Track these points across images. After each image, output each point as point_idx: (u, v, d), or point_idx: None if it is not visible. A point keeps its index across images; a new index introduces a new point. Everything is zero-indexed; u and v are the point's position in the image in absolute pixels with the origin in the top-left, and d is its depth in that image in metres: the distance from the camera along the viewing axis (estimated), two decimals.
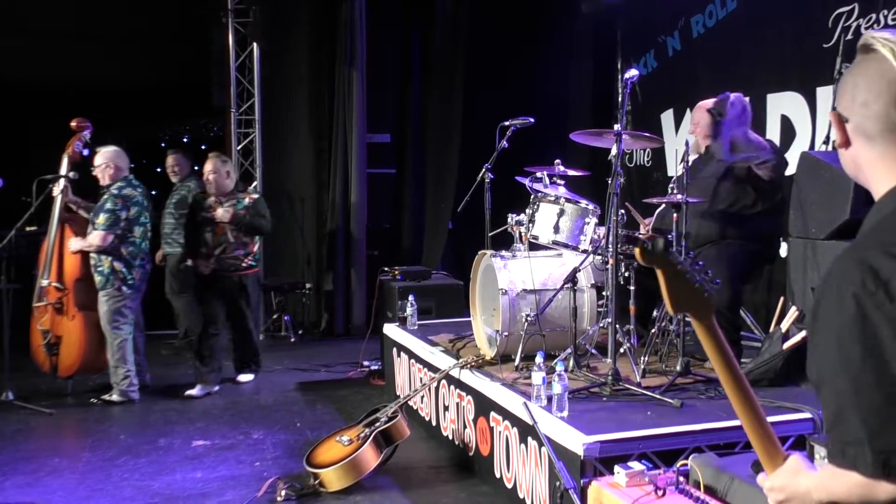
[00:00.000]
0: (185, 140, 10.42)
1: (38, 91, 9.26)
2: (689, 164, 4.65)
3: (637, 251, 1.60)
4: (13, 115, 9.28)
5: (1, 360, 6.10)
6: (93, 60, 9.50)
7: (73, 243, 6.04)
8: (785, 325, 4.23)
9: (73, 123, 6.29)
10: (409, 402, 5.06)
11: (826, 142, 5.47)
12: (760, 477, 1.65)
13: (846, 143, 1.54)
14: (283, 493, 4.32)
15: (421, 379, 5.55)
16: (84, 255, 6.08)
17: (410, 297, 6.30)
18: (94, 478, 4.66)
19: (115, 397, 6.08)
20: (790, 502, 1.56)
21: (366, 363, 6.92)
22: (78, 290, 6.14)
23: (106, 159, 6.12)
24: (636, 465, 3.14)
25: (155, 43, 9.79)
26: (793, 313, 4.23)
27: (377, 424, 4.57)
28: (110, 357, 6.07)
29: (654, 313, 4.84)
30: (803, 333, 4.11)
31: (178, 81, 9.75)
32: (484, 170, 5.69)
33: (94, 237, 5.95)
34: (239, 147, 8.72)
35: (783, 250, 4.95)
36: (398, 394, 6.07)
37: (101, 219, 5.96)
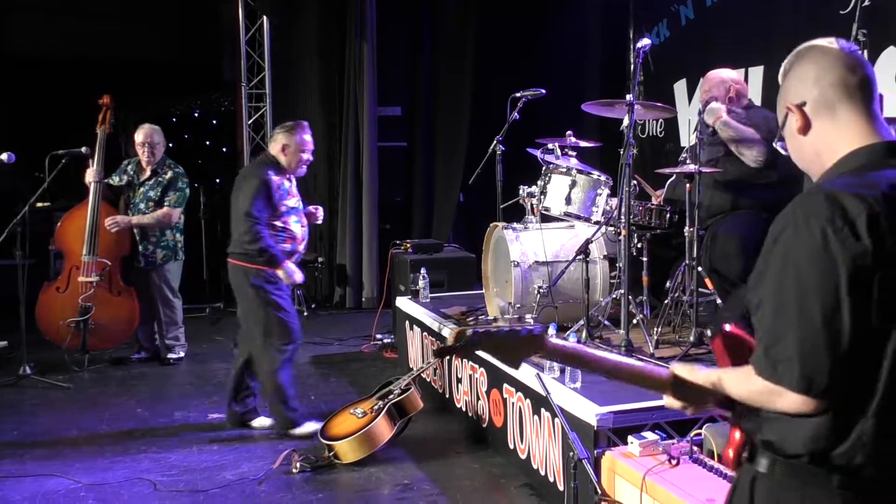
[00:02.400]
0: (196, 115, 10.41)
1: (48, 67, 9.25)
2: (703, 133, 4.62)
3: (454, 352, 1.82)
4: (23, 91, 9.29)
5: (18, 335, 6.15)
6: (103, 36, 9.49)
7: (135, 221, 6.19)
8: None
9: (106, 99, 6.33)
10: (422, 375, 5.07)
11: None
12: (665, 400, 1.82)
13: (806, 126, 1.64)
14: (297, 465, 4.36)
15: (435, 351, 5.56)
16: (128, 232, 6.21)
17: (422, 271, 6.31)
18: (112, 450, 4.71)
19: (181, 354, 6.55)
20: (697, 408, 1.79)
21: (378, 336, 6.95)
22: (124, 267, 6.31)
23: (159, 136, 6.35)
24: (650, 435, 3.15)
25: (165, 18, 9.77)
26: None
27: (391, 397, 4.60)
28: (170, 322, 6.44)
29: (668, 284, 4.84)
30: None
31: (188, 56, 9.74)
32: (495, 142, 5.67)
33: (171, 214, 6.24)
34: (250, 121, 8.71)
35: None
36: (411, 367, 6.09)
37: (174, 197, 6.27)
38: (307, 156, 5.00)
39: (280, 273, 4.77)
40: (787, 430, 1.56)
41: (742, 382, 1.61)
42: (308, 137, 5.01)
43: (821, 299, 1.45)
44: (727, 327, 1.77)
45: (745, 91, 5.00)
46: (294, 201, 4.97)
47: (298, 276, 4.84)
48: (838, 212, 1.45)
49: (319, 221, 5.35)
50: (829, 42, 1.66)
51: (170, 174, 6.31)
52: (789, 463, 1.56)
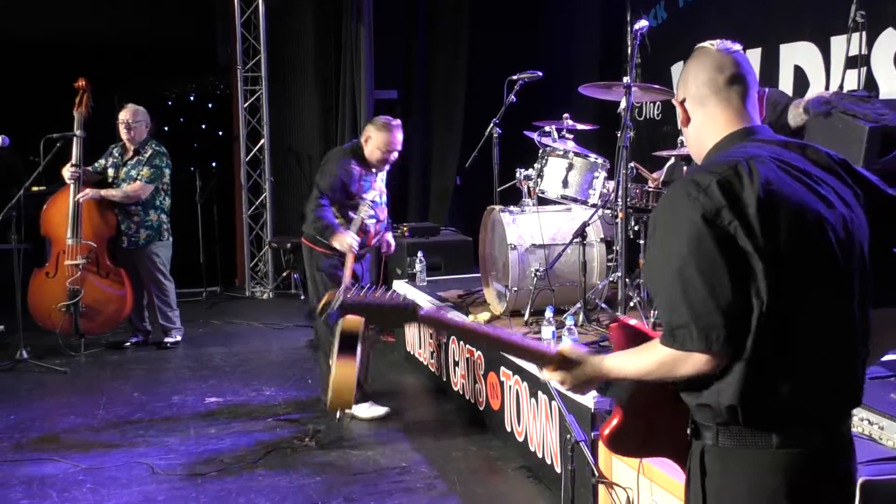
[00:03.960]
0: (191, 98, 10.34)
1: (38, 49, 9.17)
2: None
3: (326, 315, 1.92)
4: (13, 74, 9.21)
5: (14, 319, 6.14)
6: (95, 18, 9.39)
7: (103, 193, 6.16)
8: None
9: (82, 82, 6.26)
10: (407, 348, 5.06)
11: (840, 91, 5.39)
12: (544, 374, 1.95)
13: (686, 120, 1.90)
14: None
15: (431, 335, 5.57)
16: (112, 213, 6.17)
17: (419, 254, 6.30)
18: (109, 434, 4.72)
19: (178, 338, 6.54)
20: (578, 388, 1.91)
21: None
22: (109, 248, 6.29)
23: (142, 116, 6.35)
24: None
25: (159, 0, 9.68)
26: None
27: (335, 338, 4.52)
28: (163, 305, 6.43)
29: None
30: None
31: (183, 39, 9.64)
32: (492, 125, 5.64)
33: (135, 188, 6.20)
34: (245, 105, 8.67)
35: None
36: (408, 349, 6.10)
37: (146, 171, 6.23)
38: (389, 154, 4.97)
39: (335, 242, 4.72)
40: (716, 395, 1.67)
41: (643, 359, 1.75)
42: (398, 137, 4.97)
43: (695, 263, 1.62)
44: (631, 322, 1.98)
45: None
46: (373, 195, 4.98)
47: (350, 240, 4.69)
48: (692, 186, 1.67)
49: (391, 251, 5.34)
50: (711, 44, 1.88)
51: (150, 152, 6.30)
52: (730, 430, 1.69)
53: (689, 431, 1.79)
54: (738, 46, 1.90)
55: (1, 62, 9.34)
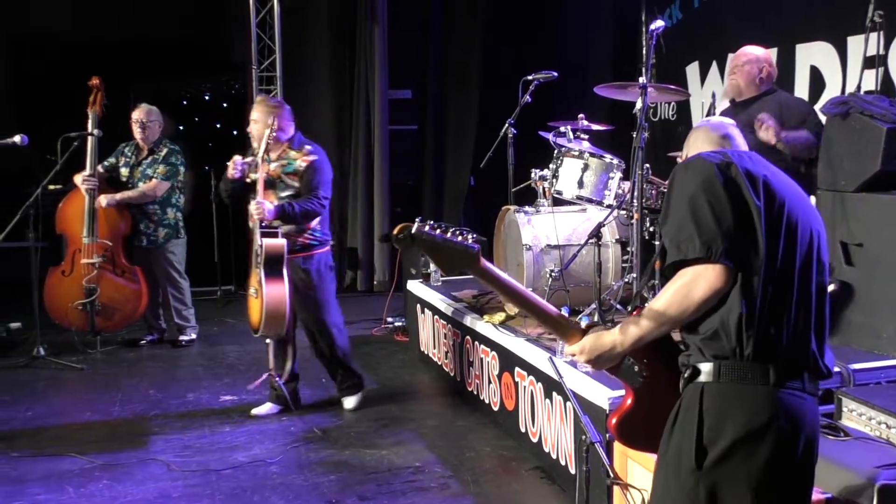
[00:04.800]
0: (206, 98, 10.39)
1: (54, 48, 9.24)
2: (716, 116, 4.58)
3: (395, 242, 2.02)
4: (31, 72, 9.28)
5: (31, 316, 6.19)
6: (111, 17, 9.45)
7: (119, 197, 6.19)
8: None
9: (96, 80, 6.30)
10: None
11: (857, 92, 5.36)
12: (567, 348, 2.13)
13: None
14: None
15: (445, 335, 5.57)
16: (128, 212, 6.22)
17: None
18: (125, 431, 4.75)
19: (193, 336, 6.57)
20: (596, 360, 2.06)
21: (389, 319, 6.96)
22: (127, 247, 6.34)
23: (155, 116, 6.39)
24: None
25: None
26: None
27: (258, 259, 4.73)
28: (178, 303, 6.47)
29: None
30: (832, 287, 4.06)
31: (198, 38, 9.69)
32: (507, 125, 5.64)
33: (151, 186, 6.25)
34: None
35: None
36: (422, 349, 6.11)
37: (162, 169, 6.28)
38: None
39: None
40: (723, 321, 1.89)
41: (657, 304, 1.95)
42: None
43: (705, 194, 1.93)
44: None
45: (775, 73, 4.90)
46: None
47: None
48: (706, 153, 2.07)
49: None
50: (705, 123, 2.43)
51: (165, 150, 6.35)
52: (730, 364, 1.89)
53: (685, 376, 1.95)
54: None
55: (17, 61, 9.43)
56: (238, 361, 6.16)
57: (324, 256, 4.94)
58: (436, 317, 5.78)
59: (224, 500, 3.90)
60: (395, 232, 1.98)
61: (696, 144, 2.31)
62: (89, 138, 6.19)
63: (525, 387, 4.33)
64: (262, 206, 4.63)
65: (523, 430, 4.37)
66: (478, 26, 8.72)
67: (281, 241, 4.71)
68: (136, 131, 6.31)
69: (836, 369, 3.68)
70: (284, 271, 4.71)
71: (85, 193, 6.16)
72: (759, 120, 4.47)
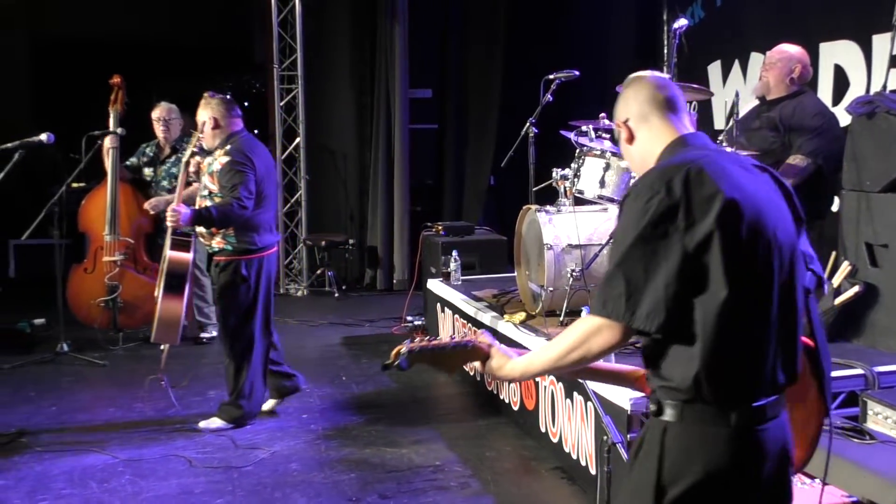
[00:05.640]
0: (227, 97, 10.43)
1: (77, 47, 9.32)
2: (739, 115, 4.55)
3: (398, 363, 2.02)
4: (53, 72, 9.37)
5: (55, 313, 6.25)
6: (134, 17, 9.53)
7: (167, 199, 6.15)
8: (837, 280, 4.16)
9: (117, 79, 6.35)
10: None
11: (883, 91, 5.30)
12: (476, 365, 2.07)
13: (631, 137, 2.08)
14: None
15: (465, 334, 5.56)
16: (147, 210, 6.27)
17: (454, 253, 6.31)
18: (148, 427, 4.78)
19: (214, 333, 6.51)
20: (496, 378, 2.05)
21: (409, 318, 6.97)
22: (149, 244, 6.38)
23: (176, 114, 6.41)
24: None
25: None
26: (845, 268, 4.16)
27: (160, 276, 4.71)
28: (200, 301, 6.52)
29: None
30: (856, 289, 4.04)
31: (219, 37, 9.75)
32: (528, 124, 5.62)
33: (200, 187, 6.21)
34: (282, 103, 8.73)
35: (835, 205, 4.84)
36: None
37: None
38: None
39: None
40: (682, 375, 1.80)
41: (560, 341, 1.89)
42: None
43: (642, 247, 1.78)
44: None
45: (810, 73, 4.85)
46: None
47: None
48: (657, 181, 1.82)
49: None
50: (645, 73, 2.13)
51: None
52: (694, 408, 1.81)
53: (651, 408, 1.89)
54: (666, 75, 2.17)
55: (40, 61, 9.52)
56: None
57: (241, 264, 4.58)
58: (456, 315, 5.78)
59: (245, 496, 3.92)
60: (390, 361, 2.02)
61: (635, 105, 2.06)
62: (111, 118, 6.23)
63: (545, 386, 4.32)
64: (177, 212, 4.47)
65: (543, 429, 4.37)
66: (498, 25, 8.72)
67: (186, 256, 4.65)
68: (159, 130, 6.35)
69: (860, 372, 3.65)
70: (186, 287, 4.63)
71: (108, 185, 6.19)
72: None
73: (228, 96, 4.80)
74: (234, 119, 4.73)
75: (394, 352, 2.03)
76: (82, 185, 6.89)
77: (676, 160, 1.89)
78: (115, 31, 9.50)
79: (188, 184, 5.89)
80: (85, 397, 5.40)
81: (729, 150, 4.37)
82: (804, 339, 1.98)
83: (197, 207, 4.58)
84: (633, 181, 1.94)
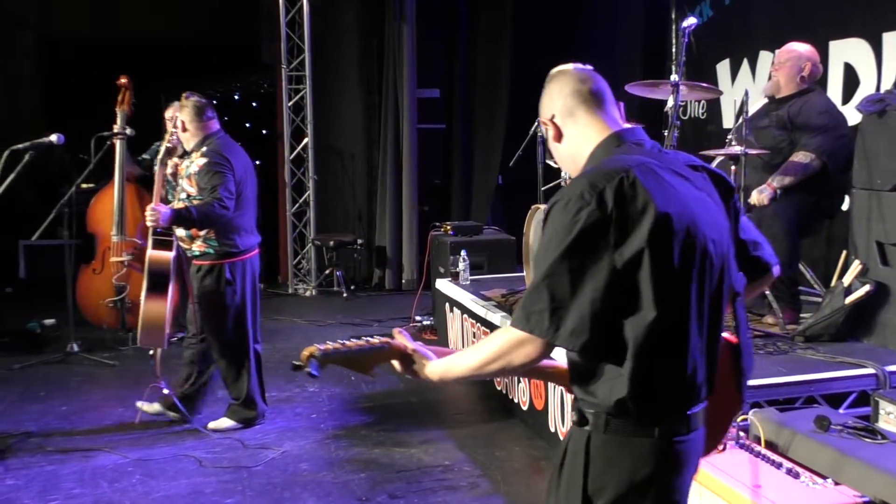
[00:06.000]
0: (236, 97, 10.47)
1: (86, 48, 9.35)
2: (749, 114, 4.54)
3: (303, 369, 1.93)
4: (60, 72, 9.40)
5: (65, 313, 6.27)
6: (142, 17, 9.56)
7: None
8: (847, 280, 4.14)
9: (124, 80, 6.36)
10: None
11: (893, 89, 5.28)
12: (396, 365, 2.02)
13: (559, 134, 1.97)
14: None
15: (474, 334, 5.57)
16: None
17: (462, 253, 6.31)
18: (157, 427, 4.79)
19: None
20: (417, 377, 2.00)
21: (418, 318, 6.97)
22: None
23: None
24: None
25: None
26: (856, 267, 4.14)
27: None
28: None
29: None
30: (867, 288, 4.02)
31: (228, 38, 9.76)
32: (536, 123, 5.61)
33: None
34: (290, 103, 8.74)
35: (845, 203, 4.82)
36: (451, 348, 6.10)
37: None
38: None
39: None
40: (608, 393, 1.76)
41: (480, 352, 1.84)
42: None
43: (570, 261, 1.70)
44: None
45: (819, 71, 4.84)
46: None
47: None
48: (588, 188, 1.73)
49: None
50: (567, 66, 2.02)
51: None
52: (618, 421, 1.77)
53: (574, 417, 1.86)
54: (589, 66, 2.05)
55: (48, 61, 9.56)
56: (267, 360, 6.14)
57: (225, 267, 4.55)
58: (464, 315, 5.78)
59: (255, 496, 3.92)
60: (301, 361, 1.94)
61: (559, 100, 1.96)
62: (118, 119, 6.23)
63: (554, 386, 4.31)
64: (157, 211, 4.37)
65: (553, 429, 4.36)
66: (505, 24, 8.71)
67: (167, 255, 4.58)
68: (171, 128, 6.35)
69: (871, 371, 3.63)
70: (170, 286, 4.56)
71: (115, 185, 6.20)
72: (758, 191, 4.51)
73: (204, 99, 4.73)
74: (211, 121, 4.68)
75: (305, 353, 1.95)
76: (91, 185, 6.91)
77: (610, 165, 1.79)
78: (123, 31, 9.54)
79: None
80: (95, 397, 5.42)
81: (737, 149, 4.36)
82: (728, 336, 1.96)
83: (175, 208, 4.48)
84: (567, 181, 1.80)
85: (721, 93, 5.65)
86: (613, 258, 1.69)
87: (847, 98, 5.57)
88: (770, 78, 4.86)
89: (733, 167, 4.40)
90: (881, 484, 2.61)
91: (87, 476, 4.14)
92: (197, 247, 4.56)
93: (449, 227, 7.14)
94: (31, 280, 8.24)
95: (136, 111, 6.37)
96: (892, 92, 4.28)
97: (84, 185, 6.52)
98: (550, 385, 4.37)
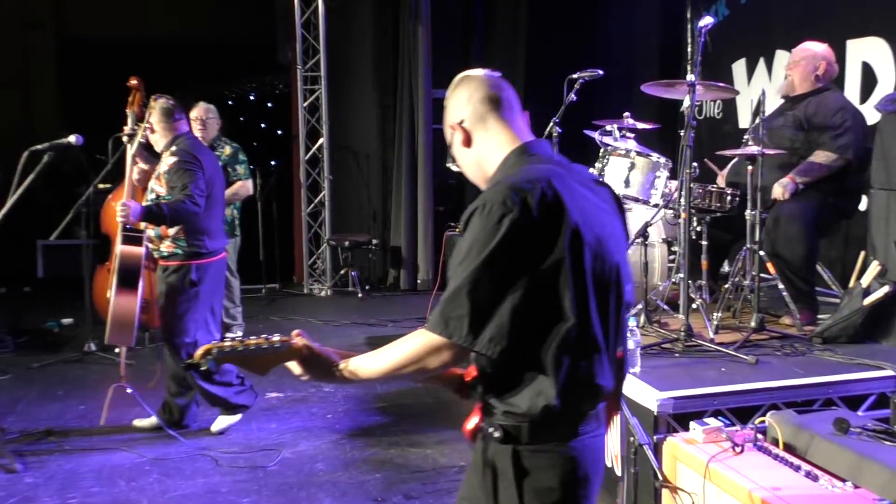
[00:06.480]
0: (251, 98, 10.51)
1: (103, 48, 9.40)
2: (765, 114, 4.51)
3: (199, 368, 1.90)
4: (77, 72, 9.46)
5: (82, 312, 6.31)
6: (157, 17, 9.61)
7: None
8: (866, 281, 4.11)
9: (134, 81, 6.38)
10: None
11: None
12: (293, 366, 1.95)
13: (467, 139, 1.96)
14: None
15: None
16: None
17: None
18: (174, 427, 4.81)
19: (239, 333, 6.44)
20: (318, 379, 1.96)
21: None
22: None
23: (213, 114, 6.44)
24: (712, 422, 3.11)
25: (220, 0, 9.86)
26: (874, 268, 4.11)
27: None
28: (227, 301, 6.43)
29: (727, 268, 4.76)
30: (886, 289, 3.99)
31: (243, 39, 9.80)
32: (552, 123, 5.60)
33: (246, 185, 6.34)
34: (305, 104, 8.77)
35: (863, 203, 4.79)
36: None
37: (242, 169, 6.36)
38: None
39: None
40: (531, 400, 1.78)
41: (392, 351, 1.82)
42: None
43: (492, 267, 1.71)
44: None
45: (835, 70, 4.81)
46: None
47: None
48: (511, 194, 1.73)
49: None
50: (477, 71, 2.01)
51: (228, 149, 6.41)
52: (541, 429, 1.79)
53: (495, 434, 1.84)
54: (498, 73, 2.05)
55: (66, 62, 9.63)
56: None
57: (192, 268, 4.51)
58: None
59: (271, 496, 3.94)
60: (195, 360, 1.91)
61: (469, 106, 1.96)
62: (129, 120, 6.25)
63: None
64: (127, 207, 4.36)
65: None
66: (521, 24, 8.70)
67: (138, 250, 4.56)
68: (197, 129, 6.40)
69: (891, 373, 3.60)
70: (140, 282, 4.54)
71: (127, 174, 6.22)
72: (780, 184, 4.50)
73: (172, 101, 4.72)
74: (179, 122, 4.68)
75: (200, 350, 1.92)
76: (108, 185, 6.94)
77: (528, 175, 1.80)
78: (139, 32, 9.59)
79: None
80: (113, 396, 5.44)
81: (754, 149, 4.33)
82: None
83: (146, 204, 4.48)
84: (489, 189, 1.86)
85: (737, 92, 5.63)
86: (534, 266, 1.72)
87: (865, 97, 5.53)
88: (785, 77, 4.84)
89: (749, 167, 4.38)
90: None
91: (105, 474, 4.17)
92: (165, 247, 4.55)
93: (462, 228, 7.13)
94: (50, 279, 8.32)
95: (144, 112, 6.39)
96: None
97: (101, 186, 6.55)
98: None
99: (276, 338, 1.94)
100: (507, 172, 1.88)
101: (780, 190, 4.49)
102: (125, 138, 6.23)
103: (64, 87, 9.64)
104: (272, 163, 9.58)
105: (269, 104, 10.58)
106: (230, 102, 10.49)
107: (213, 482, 4.08)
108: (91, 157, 7.30)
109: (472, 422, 1.98)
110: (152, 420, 4.77)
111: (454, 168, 2.08)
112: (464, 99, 1.97)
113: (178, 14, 9.67)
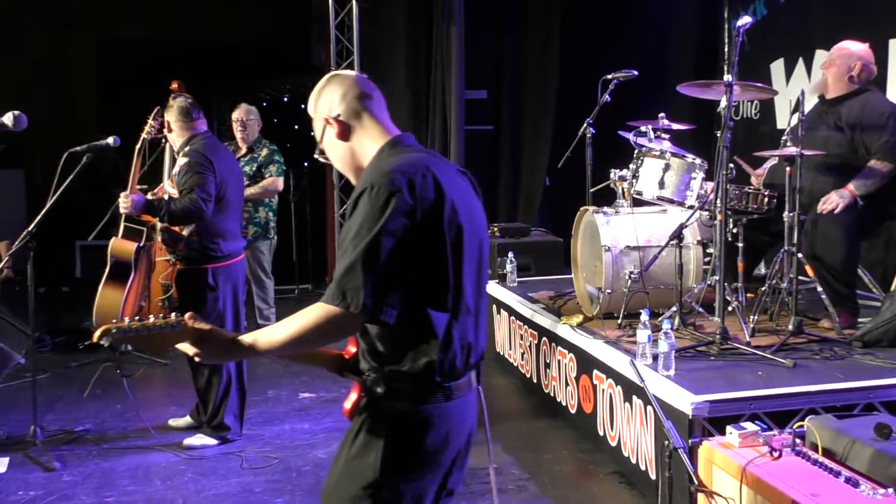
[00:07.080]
0: (285, 99, 10.56)
1: (139, 49, 9.51)
2: (804, 114, 4.44)
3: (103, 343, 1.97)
4: (114, 73, 9.58)
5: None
6: (193, 19, 9.71)
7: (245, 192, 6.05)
8: None
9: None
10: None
11: None
12: (184, 347, 2.03)
13: (342, 133, 2.13)
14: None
15: (521, 336, 5.54)
16: None
17: (510, 254, 6.29)
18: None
19: None
20: (215, 357, 2.13)
21: None
22: None
23: (254, 115, 6.58)
24: (749, 426, 3.06)
25: (255, 2, 9.93)
26: None
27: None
28: (262, 302, 6.62)
29: (764, 270, 4.69)
30: None
31: (278, 40, 9.87)
32: (585, 125, 5.58)
33: (271, 181, 6.42)
34: None
35: None
36: (498, 351, 6.10)
37: (275, 167, 6.48)
38: None
39: None
40: (410, 355, 1.97)
41: (291, 324, 1.93)
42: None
43: (383, 241, 1.87)
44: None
45: (873, 72, 4.72)
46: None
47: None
48: (397, 179, 1.92)
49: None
50: (348, 72, 2.22)
51: (265, 151, 6.53)
52: (423, 386, 1.99)
53: (378, 389, 2.00)
54: (365, 75, 2.25)
55: (104, 64, 9.76)
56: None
57: (208, 272, 4.47)
58: (512, 318, 5.76)
59: (304, 496, 3.95)
60: (94, 339, 1.95)
61: (344, 102, 2.12)
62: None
63: (604, 389, 4.27)
64: (129, 198, 4.40)
65: (601, 433, 4.32)
66: (554, 24, 8.65)
67: (131, 244, 4.52)
68: (237, 130, 6.50)
69: None
70: (131, 277, 4.50)
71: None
72: (824, 201, 4.43)
73: (190, 99, 4.68)
74: (197, 121, 4.61)
75: (100, 330, 1.96)
76: (144, 187, 7.02)
77: (406, 162, 1.99)
78: (174, 33, 9.70)
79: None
80: (148, 395, 5.52)
81: (793, 150, 4.26)
82: None
83: (149, 198, 4.49)
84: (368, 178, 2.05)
85: (776, 93, 5.54)
86: (419, 239, 1.92)
87: None
88: (820, 76, 4.77)
89: (788, 168, 4.31)
90: None
91: (141, 474, 4.22)
92: (179, 250, 4.52)
93: (496, 229, 7.12)
94: (88, 279, 8.43)
95: None
96: None
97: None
98: (598, 388, 4.33)
99: (172, 316, 1.99)
100: (382, 161, 2.05)
101: (838, 200, 4.39)
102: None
103: (103, 87, 9.78)
104: (305, 164, 9.63)
105: (303, 105, 10.61)
106: (265, 104, 10.55)
107: (247, 482, 4.11)
108: (125, 159, 7.38)
109: (351, 399, 2.09)
110: (187, 419, 4.81)
111: (321, 159, 2.23)
112: (338, 95, 2.14)
113: (213, 15, 9.77)
